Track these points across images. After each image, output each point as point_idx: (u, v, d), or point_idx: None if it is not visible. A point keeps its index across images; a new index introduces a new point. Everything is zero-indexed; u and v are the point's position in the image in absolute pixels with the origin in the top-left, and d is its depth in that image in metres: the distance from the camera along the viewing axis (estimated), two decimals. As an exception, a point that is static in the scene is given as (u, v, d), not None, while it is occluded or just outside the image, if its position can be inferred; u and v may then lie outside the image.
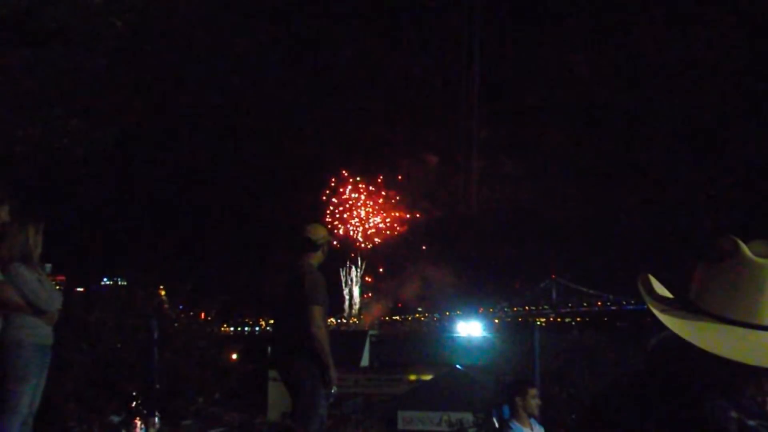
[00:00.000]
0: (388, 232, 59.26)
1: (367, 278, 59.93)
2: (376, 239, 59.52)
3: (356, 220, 59.44)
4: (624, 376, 1.60)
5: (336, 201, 59.44)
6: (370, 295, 59.79)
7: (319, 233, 5.35)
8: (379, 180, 60.73)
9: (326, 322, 5.23)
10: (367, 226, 59.56)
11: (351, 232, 59.57)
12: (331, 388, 5.06)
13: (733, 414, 1.24)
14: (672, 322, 1.35)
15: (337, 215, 59.17)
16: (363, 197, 59.85)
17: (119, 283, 13.19)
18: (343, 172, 59.78)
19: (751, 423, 1.23)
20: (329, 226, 53.93)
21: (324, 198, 59.04)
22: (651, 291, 1.47)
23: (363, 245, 59.66)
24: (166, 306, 11.34)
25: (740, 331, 1.31)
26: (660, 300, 1.44)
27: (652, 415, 1.33)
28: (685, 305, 1.39)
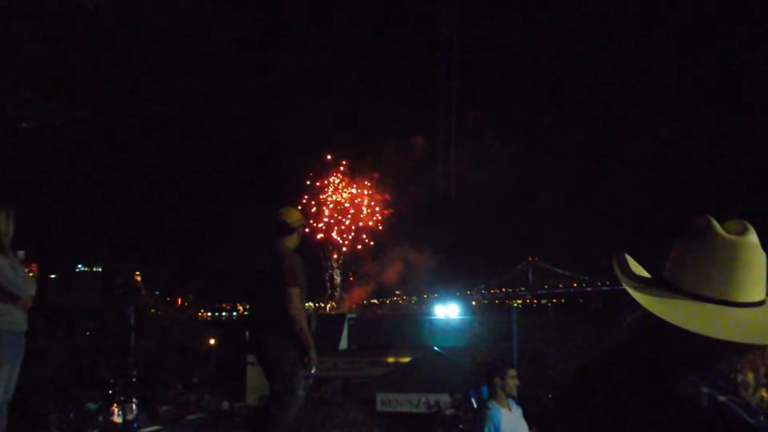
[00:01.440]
0: (373, 219, 59.24)
1: (345, 261, 60.03)
2: (360, 224, 59.54)
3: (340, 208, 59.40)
4: (599, 355, 1.62)
5: (318, 185, 59.21)
6: (351, 278, 59.88)
7: (293, 216, 5.36)
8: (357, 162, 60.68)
9: (304, 303, 5.24)
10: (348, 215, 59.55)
11: (328, 219, 59.50)
12: (310, 369, 5.08)
13: (704, 389, 1.26)
14: (645, 300, 1.37)
15: (319, 200, 59.01)
16: (341, 182, 59.74)
17: (94, 269, 13.07)
18: (326, 155, 59.50)
19: (722, 398, 1.25)
20: (311, 210, 53.74)
21: (308, 182, 58.77)
22: (626, 270, 1.48)
23: (344, 237, 59.67)
24: (142, 292, 11.26)
25: (713, 308, 1.33)
26: (635, 279, 1.46)
27: (626, 392, 1.35)
28: (660, 284, 1.41)
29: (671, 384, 1.28)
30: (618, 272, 1.48)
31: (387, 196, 58.73)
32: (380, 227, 59.14)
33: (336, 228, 59.35)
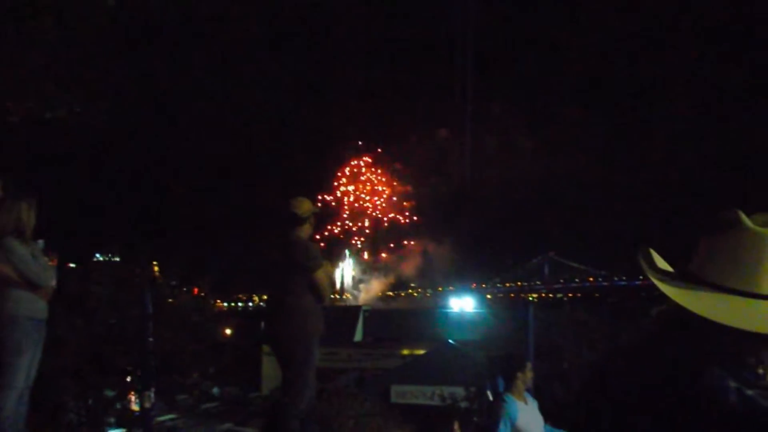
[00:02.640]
0: (390, 216, 59.15)
1: (365, 254, 59.97)
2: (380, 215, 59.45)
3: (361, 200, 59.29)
4: (623, 347, 1.61)
5: (340, 175, 59.18)
6: (366, 272, 59.96)
7: (303, 207, 5.38)
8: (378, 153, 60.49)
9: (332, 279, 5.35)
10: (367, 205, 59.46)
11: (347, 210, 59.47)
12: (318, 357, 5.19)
13: (732, 383, 1.26)
14: (673, 292, 1.36)
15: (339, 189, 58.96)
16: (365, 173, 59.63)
17: (112, 259, 13.18)
18: (357, 142, 59.32)
19: (750, 392, 1.25)
20: (324, 201, 53.80)
21: (323, 174, 58.85)
22: (652, 263, 1.48)
23: (361, 227, 59.65)
24: (159, 282, 11.34)
25: (740, 300, 1.32)
26: (660, 272, 1.45)
27: (652, 384, 1.34)
28: (686, 277, 1.40)
29: (698, 377, 1.28)
30: (644, 265, 1.48)
31: (408, 188, 58.62)
32: (401, 219, 59.13)
33: (354, 223, 59.43)
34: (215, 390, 12.66)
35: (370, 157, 59.98)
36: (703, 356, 1.30)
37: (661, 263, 1.48)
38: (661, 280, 1.40)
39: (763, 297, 1.32)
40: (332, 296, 5.21)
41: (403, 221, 59.52)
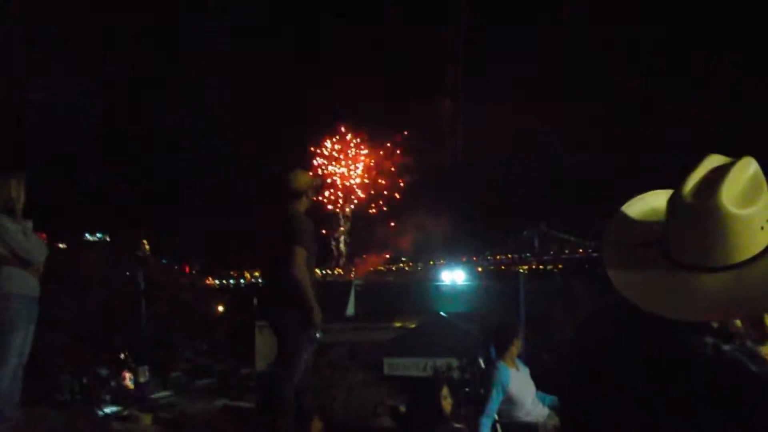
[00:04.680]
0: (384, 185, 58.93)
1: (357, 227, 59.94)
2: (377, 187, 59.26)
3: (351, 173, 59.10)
4: (601, 310, 1.61)
5: (331, 147, 58.83)
6: (358, 245, 59.91)
7: (300, 180, 5.37)
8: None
9: (312, 267, 5.27)
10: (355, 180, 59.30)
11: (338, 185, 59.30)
12: (315, 330, 5.14)
13: (708, 339, 1.27)
14: (614, 275, 1.38)
15: (331, 164, 58.69)
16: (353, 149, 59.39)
17: (102, 239, 13.16)
18: (340, 126, 58.97)
19: (726, 347, 1.26)
20: (320, 174, 53.52)
21: (312, 149, 58.50)
22: (619, 234, 1.47)
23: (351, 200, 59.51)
24: (150, 260, 11.34)
25: (686, 277, 1.32)
26: (631, 241, 1.44)
27: (630, 345, 1.36)
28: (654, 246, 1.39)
29: (675, 335, 1.29)
30: (605, 239, 1.47)
31: (401, 158, 58.32)
32: (394, 194, 59.00)
33: (342, 195, 59.30)
34: (211, 366, 12.74)
35: (359, 134, 59.73)
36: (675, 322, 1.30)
37: (653, 213, 1.46)
38: (614, 262, 1.41)
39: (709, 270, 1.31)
40: (313, 276, 5.15)
41: (396, 195, 59.43)
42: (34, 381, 6.08)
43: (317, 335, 5.22)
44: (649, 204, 1.49)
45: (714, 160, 1.36)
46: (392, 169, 59.23)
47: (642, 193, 1.51)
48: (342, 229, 60.09)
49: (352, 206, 59.65)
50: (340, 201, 59.30)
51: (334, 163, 58.80)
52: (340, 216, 59.69)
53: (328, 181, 57.75)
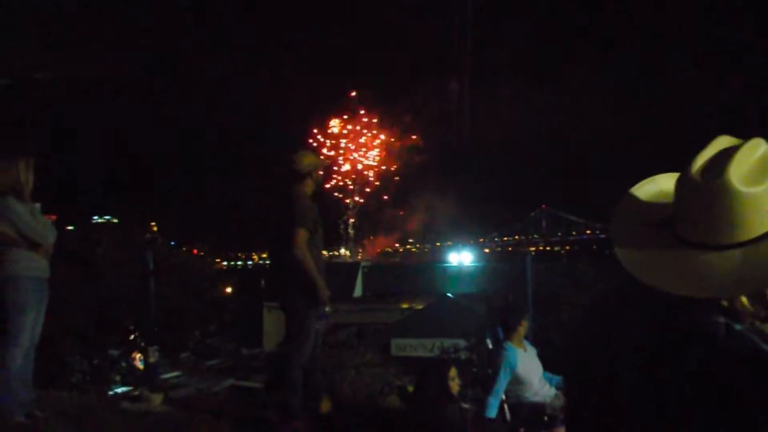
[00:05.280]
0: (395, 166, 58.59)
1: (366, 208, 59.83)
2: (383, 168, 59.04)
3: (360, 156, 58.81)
4: (609, 290, 1.62)
5: (341, 126, 58.56)
6: (367, 227, 59.88)
7: (304, 161, 5.38)
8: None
9: (318, 248, 5.31)
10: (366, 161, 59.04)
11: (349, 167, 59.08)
12: (323, 307, 5.20)
13: (720, 319, 1.28)
14: (621, 254, 1.38)
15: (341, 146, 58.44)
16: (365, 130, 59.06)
17: (111, 221, 13.22)
18: (350, 93, 58.39)
19: (738, 327, 1.27)
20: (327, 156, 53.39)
21: (315, 131, 58.27)
22: (628, 214, 1.47)
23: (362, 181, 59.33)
24: (159, 242, 11.38)
25: (691, 254, 1.32)
26: (639, 219, 1.44)
27: (639, 325, 1.36)
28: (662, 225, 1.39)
29: (688, 315, 1.29)
30: (615, 222, 1.48)
31: (414, 138, 58.08)
32: (403, 177, 58.84)
33: (353, 176, 59.17)
34: (221, 345, 12.83)
35: (371, 115, 59.45)
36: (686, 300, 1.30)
37: (661, 194, 1.46)
38: (621, 242, 1.41)
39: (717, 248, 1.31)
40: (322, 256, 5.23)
41: (406, 176, 59.30)
42: (45, 362, 6.14)
43: (326, 313, 5.27)
44: (659, 186, 1.49)
45: (723, 141, 1.36)
46: (406, 147, 58.88)
47: (652, 176, 1.52)
48: (352, 220, 60.05)
49: (362, 199, 59.57)
50: (351, 186, 59.24)
51: (346, 145, 58.59)
52: (351, 205, 59.66)
53: (345, 168, 57.58)
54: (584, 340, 1.55)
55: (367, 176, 59.63)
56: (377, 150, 59.13)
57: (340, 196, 59.36)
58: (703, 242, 1.31)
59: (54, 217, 5.24)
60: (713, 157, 1.33)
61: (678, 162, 1.39)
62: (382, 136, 58.80)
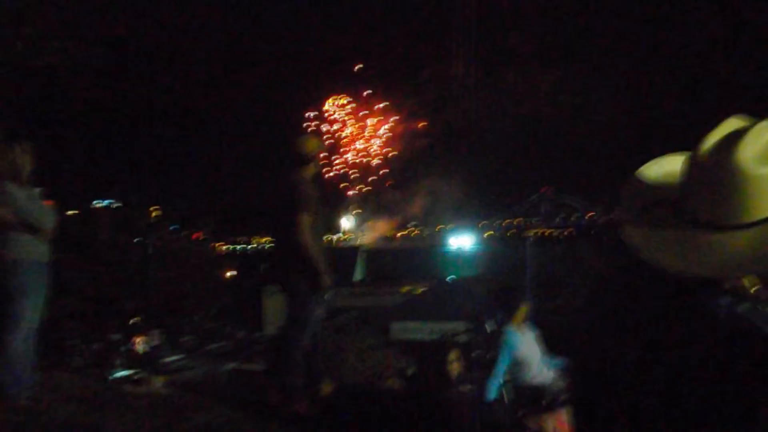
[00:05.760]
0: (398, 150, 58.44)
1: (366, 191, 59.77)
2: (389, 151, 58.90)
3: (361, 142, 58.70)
4: (612, 273, 1.63)
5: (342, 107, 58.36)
6: (369, 210, 59.86)
7: (308, 146, 5.39)
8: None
9: (320, 232, 5.33)
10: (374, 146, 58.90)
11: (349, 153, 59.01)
12: (325, 292, 5.21)
13: (723, 300, 1.28)
14: (629, 233, 1.38)
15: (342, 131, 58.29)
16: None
17: (112, 206, 13.22)
18: (354, 66, 58.02)
19: (740, 309, 1.27)
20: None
21: (308, 114, 58.11)
22: (635, 197, 1.47)
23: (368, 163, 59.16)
24: (160, 226, 11.40)
25: (701, 234, 1.33)
26: (645, 201, 1.44)
27: (646, 304, 1.37)
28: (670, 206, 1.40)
29: (692, 296, 1.30)
30: (623, 203, 1.48)
31: (421, 124, 57.92)
32: (406, 160, 58.70)
33: (354, 160, 59.07)
34: (222, 329, 12.89)
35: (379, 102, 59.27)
36: (693, 280, 1.30)
37: (667, 176, 1.46)
38: (630, 222, 1.41)
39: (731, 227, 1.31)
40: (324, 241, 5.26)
41: (408, 159, 59.18)
42: (47, 346, 6.16)
43: (327, 297, 5.29)
44: (665, 167, 1.49)
45: (734, 122, 1.36)
46: (412, 129, 58.60)
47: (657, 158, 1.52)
48: (357, 211, 59.94)
49: (369, 188, 59.45)
50: (352, 176, 59.16)
51: (348, 130, 58.45)
52: (356, 191, 59.56)
53: (348, 157, 57.43)
54: (590, 320, 1.56)
55: (371, 163, 59.59)
56: (381, 136, 59.01)
57: (346, 184, 59.33)
58: (710, 222, 1.31)
59: (51, 202, 5.23)
60: (723, 137, 1.33)
61: (683, 145, 1.39)
62: (391, 121, 58.63)
